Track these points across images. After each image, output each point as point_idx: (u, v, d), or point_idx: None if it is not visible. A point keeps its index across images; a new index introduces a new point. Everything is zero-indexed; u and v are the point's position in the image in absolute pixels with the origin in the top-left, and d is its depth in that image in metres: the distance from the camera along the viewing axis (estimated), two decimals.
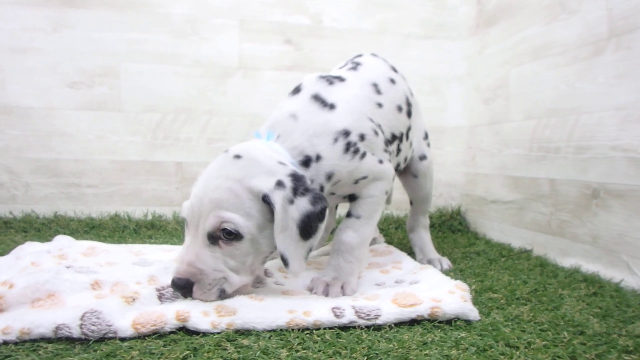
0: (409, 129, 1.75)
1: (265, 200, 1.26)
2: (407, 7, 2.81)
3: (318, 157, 1.41)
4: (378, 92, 1.64)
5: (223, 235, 1.27)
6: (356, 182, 1.51)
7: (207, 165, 1.38)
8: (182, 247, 1.32)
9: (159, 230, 2.40)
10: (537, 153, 2.17)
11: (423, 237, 2.00)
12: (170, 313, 1.14)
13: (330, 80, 1.55)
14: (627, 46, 1.72)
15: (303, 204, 1.28)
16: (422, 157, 1.93)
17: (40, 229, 2.32)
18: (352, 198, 1.57)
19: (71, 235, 1.98)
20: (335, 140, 1.44)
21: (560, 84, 2.03)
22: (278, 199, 1.25)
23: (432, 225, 2.58)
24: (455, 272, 1.77)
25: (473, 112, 2.75)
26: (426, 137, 1.99)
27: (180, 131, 2.56)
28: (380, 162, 1.53)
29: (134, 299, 1.18)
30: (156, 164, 2.56)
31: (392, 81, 1.71)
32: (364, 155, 1.48)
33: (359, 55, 1.78)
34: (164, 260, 1.63)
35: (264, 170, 1.30)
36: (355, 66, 1.70)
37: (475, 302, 1.39)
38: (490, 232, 2.55)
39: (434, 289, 1.35)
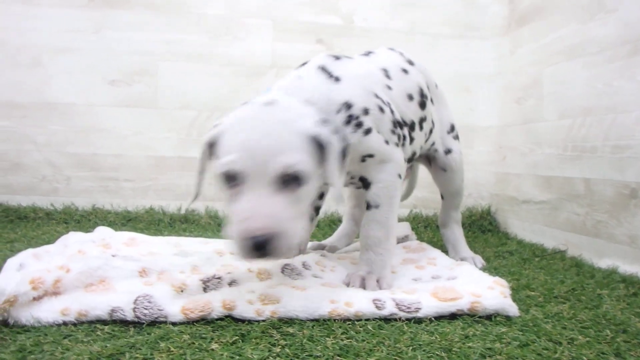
0: (422, 119, 1.72)
1: (316, 139, 1.24)
2: (437, 6, 2.82)
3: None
4: (387, 76, 1.63)
5: (289, 181, 1.18)
6: (363, 159, 1.48)
7: (229, 118, 1.32)
8: (241, 204, 1.17)
9: (193, 224, 2.46)
10: (571, 153, 2.16)
11: (455, 233, 1.99)
12: (217, 302, 1.16)
13: (338, 56, 1.54)
14: None
15: (340, 139, 1.28)
16: (448, 151, 1.91)
17: (80, 220, 2.39)
18: (365, 185, 1.54)
19: (109, 227, 2.01)
20: (338, 111, 1.42)
21: (596, 83, 2.02)
22: (329, 136, 1.25)
23: (462, 225, 2.57)
24: (489, 270, 1.75)
25: (504, 112, 2.75)
26: (452, 130, 1.97)
27: None
28: (387, 142, 1.50)
29: (182, 290, 1.21)
30: (190, 159, 2.60)
31: (405, 71, 1.70)
32: (368, 131, 1.45)
33: (376, 49, 1.78)
34: (203, 251, 1.66)
35: (299, 113, 1.28)
36: (368, 53, 1.73)
37: (513, 299, 1.38)
38: (521, 232, 2.54)
39: (472, 284, 1.35)
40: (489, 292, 1.30)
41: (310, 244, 1.93)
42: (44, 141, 2.52)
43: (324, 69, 1.47)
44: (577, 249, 2.10)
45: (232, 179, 1.20)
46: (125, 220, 2.40)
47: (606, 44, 1.98)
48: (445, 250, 1.94)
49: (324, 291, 1.27)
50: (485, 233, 2.66)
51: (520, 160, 2.56)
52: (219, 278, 1.30)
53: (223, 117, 1.30)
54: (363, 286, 1.40)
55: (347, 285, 1.43)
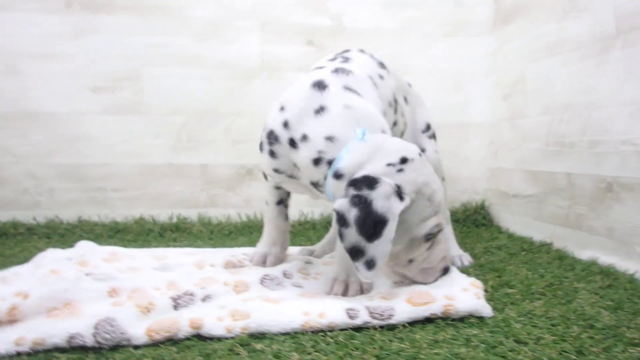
0: (393, 124, 1.70)
1: None
2: (428, 6, 2.82)
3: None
4: (375, 85, 1.63)
5: None
6: None
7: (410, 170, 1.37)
8: (440, 248, 1.48)
9: (184, 232, 2.44)
10: (553, 147, 2.19)
11: (444, 232, 2.00)
12: (184, 320, 1.17)
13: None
14: (633, 44, 1.73)
15: None
16: (422, 151, 1.90)
17: (64, 234, 2.35)
18: None
19: (95, 240, 2.02)
20: None
21: (573, 80, 2.05)
22: None
23: (456, 220, 2.61)
24: (474, 268, 1.79)
25: (494, 108, 2.77)
26: (427, 129, 1.94)
27: (205, 133, 2.60)
28: None
29: (148, 310, 1.21)
30: (181, 166, 2.60)
31: (381, 77, 1.69)
32: None
33: (347, 51, 1.76)
34: (185, 264, 1.67)
35: None
36: (346, 59, 1.68)
37: (491, 298, 1.42)
38: (512, 225, 2.57)
39: (447, 287, 1.38)
40: (463, 294, 1.33)
41: (299, 249, 1.95)
42: (25, 152, 2.47)
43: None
44: (562, 241, 2.13)
45: (433, 235, 1.43)
46: (113, 232, 2.38)
47: (580, 41, 2.01)
48: None
49: (297, 303, 1.28)
50: (479, 227, 2.69)
51: (510, 155, 2.58)
52: (191, 294, 1.31)
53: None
54: (345, 293, 1.41)
55: (329, 292, 1.44)
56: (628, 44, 1.75)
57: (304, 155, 1.43)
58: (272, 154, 1.50)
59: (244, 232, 2.48)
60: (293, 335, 1.17)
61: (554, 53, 2.18)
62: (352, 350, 1.09)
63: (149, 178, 2.58)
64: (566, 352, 1.08)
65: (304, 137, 1.42)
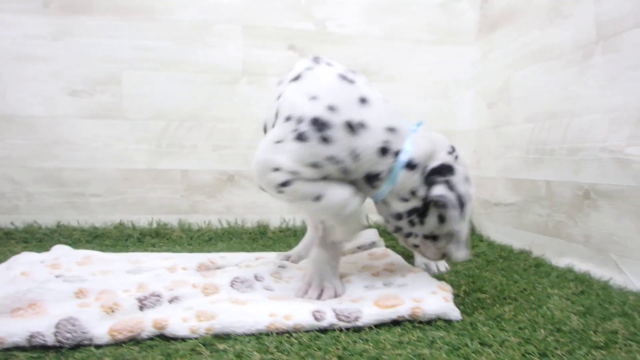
0: None
1: None
2: (415, 12, 2.82)
3: None
4: None
5: None
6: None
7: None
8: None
9: (163, 238, 2.42)
10: (534, 155, 2.19)
11: None
12: (148, 321, 1.16)
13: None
14: (613, 49, 1.74)
15: None
16: None
17: (42, 239, 2.31)
18: None
19: (73, 245, 2.01)
20: None
21: (555, 87, 2.06)
22: None
23: None
24: (450, 274, 1.79)
25: (479, 116, 2.77)
26: None
27: (186, 138, 2.59)
28: None
29: (113, 310, 1.20)
30: (162, 171, 2.58)
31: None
32: None
33: (309, 68, 1.60)
34: (158, 267, 1.67)
35: None
36: (309, 69, 1.61)
37: (462, 303, 1.42)
38: (493, 234, 2.57)
39: (416, 290, 1.38)
40: (431, 297, 1.32)
41: (276, 254, 1.96)
42: (3, 156, 2.44)
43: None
44: (541, 249, 2.13)
45: None
46: (92, 237, 2.35)
47: (563, 49, 2.01)
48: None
49: (264, 304, 1.28)
50: None
51: (493, 163, 2.58)
52: (157, 296, 1.30)
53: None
54: (319, 297, 1.42)
55: (302, 296, 1.44)
56: (608, 50, 1.76)
57: (369, 143, 1.39)
58: (325, 140, 1.36)
59: (224, 238, 2.47)
60: (258, 336, 1.16)
61: (538, 60, 2.19)
62: (315, 350, 1.08)
63: (129, 183, 2.55)
64: (529, 354, 1.08)
65: (361, 125, 1.39)
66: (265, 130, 1.61)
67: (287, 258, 1.91)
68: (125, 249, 2.17)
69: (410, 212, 1.46)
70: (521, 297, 1.51)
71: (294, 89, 1.46)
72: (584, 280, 1.70)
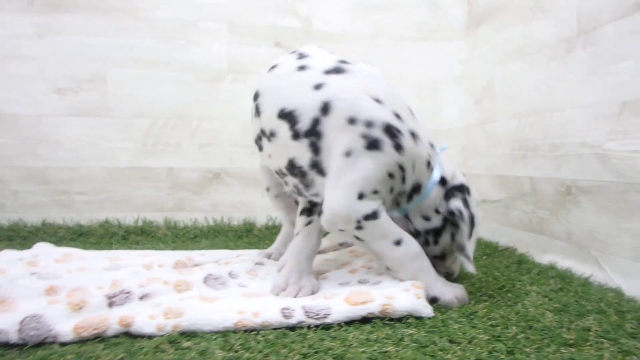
0: None
1: None
2: (401, 9, 2.81)
3: None
4: None
5: None
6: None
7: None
8: None
9: (148, 236, 2.42)
10: (518, 152, 2.18)
11: None
12: (114, 318, 1.15)
13: None
14: (592, 43, 1.73)
15: None
16: None
17: (26, 237, 2.30)
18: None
19: (57, 243, 2.01)
20: None
21: (538, 83, 2.05)
22: None
23: None
24: None
25: (466, 113, 2.76)
26: None
27: (171, 137, 2.58)
28: None
29: (80, 307, 1.19)
30: (147, 170, 2.57)
31: None
32: None
33: (343, 61, 1.60)
34: (135, 264, 1.65)
35: None
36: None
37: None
38: (480, 231, 2.55)
39: (389, 287, 1.37)
40: (404, 294, 1.31)
41: (257, 252, 1.95)
42: None
43: None
44: (526, 246, 2.13)
45: None
46: (76, 235, 2.34)
47: (544, 44, 2.00)
48: None
49: (233, 302, 1.27)
50: None
51: (480, 161, 2.57)
52: (127, 292, 1.29)
53: None
54: (296, 294, 1.42)
55: (278, 293, 1.44)
56: (588, 44, 1.75)
57: (422, 154, 1.45)
58: (399, 148, 1.37)
59: (209, 235, 2.46)
60: (225, 334, 1.15)
61: (521, 56, 2.18)
62: (280, 348, 1.07)
63: (114, 181, 2.55)
64: (496, 351, 1.07)
65: (416, 136, 1.43)
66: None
67: (269, 256, 1.90)
68: (108, 246, 2.16)
69: (428, 232, 1.51)
70: (498, 294, 1.50)
71: (348, 86, 1.43)
72: (564, 277, 1.69)
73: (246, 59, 2.66)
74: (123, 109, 2.55)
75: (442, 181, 1.48)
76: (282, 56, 1.63)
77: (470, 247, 1.44)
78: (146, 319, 1.17)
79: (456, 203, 1.44)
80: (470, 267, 1.45)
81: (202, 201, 2.64)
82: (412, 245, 1.41)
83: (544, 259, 1.96)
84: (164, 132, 2.57)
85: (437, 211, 1.49)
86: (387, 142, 1.35)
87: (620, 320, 1.27)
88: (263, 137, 1.56)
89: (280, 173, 1.58)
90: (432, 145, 1.50)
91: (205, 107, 2.61)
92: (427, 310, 1.28)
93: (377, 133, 1.35)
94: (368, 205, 1.35)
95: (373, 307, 1.25)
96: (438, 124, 2.83)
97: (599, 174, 1.69)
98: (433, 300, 1.38)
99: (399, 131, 1.38)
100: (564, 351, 1.08)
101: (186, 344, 1.09)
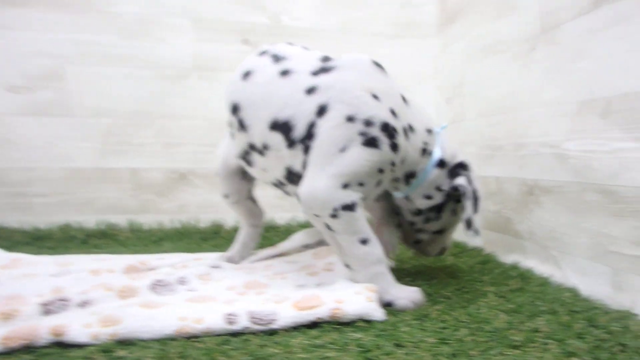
0: None
1: None
2: (373, 5, 2.77)
3: None
4: None
5: None
6: None
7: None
8: None
9: (110, 239, 2.35)
10: (485, 151, 2.17)
11: None
12: (46, 328, 1.10)
13: None
14: (554, 41, 1.71)
15: None
16: None
17: None
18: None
19: (11, 248, 1.95)
20: None
21: (504, 82, 2.03)
22: None
23: None
24: (394, 273, 1.75)
25: (438, 112, 2.74)
26: None
27: (134, 136, 2.52)
28: None
29: (11, 317, 1.15)
30: (109, 170, 2.51)
31: None
32: None
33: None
34: (85, 269, 1.61)
35: None
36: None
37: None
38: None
39: (342, 290, 1.34)
40: (355, 297, 1.28)
41: (218, 255, 1.91)
42: None
43: None
44: (493, 245, 2.11)
45: None
46: (32, 239, 2.26)
47: (510, 42, 1.99)
48: None
49: (175, 308, 1.23)
50: None
51: None
52: (65, 300, 1.25)
53: None
54: None
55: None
56: (550, 42, 1.73)
57: (415, 145, 1.48)
58: (395, 147, 1.38)
59: (174, 238, 2.41)
60: (164, 342, 1.12)
61: (489, 54, 2.16)
62: (219, 355, 1.04)
63: (74, 183, 2.47)
64: (440, 354, 1.05)
65: (411, 128, 1.47)
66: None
67: (229, 259, 1.86)
68: (66, 251, 2.10)
69: (431, 209, 1.57)
70: (456, 295, 1.49)
71: (344, 84, 1.40)
72: (525, 277, 1.68)
73: (212, 56, 2.60)
74: (82, 108, 2.47)
75: (442, 163, 1.53)
76: (253, 60, 1.56)
77: (477, 221, 1.49)
78: (81, 327, 1.12)
79: (459, 180, 1.49)
80: (477, 241, 1.53)
81: (167, 203, 2.59)
82: (376, 248, 1.40)
83: (509, 258, 1.94)
84: (127, 132, 2.51)
85: (438, 189, 1.55)
86: (384, 142, 1.35)
87: (571, 320, 1.25)
88: (253, 152, 1.52)
89: (279, 184, 1.56)
90: (428, 131, 1.53)
91: (169, 105, 2.55)
92: (378, 314, 1.26)
93: (376, 132, 1.35)
94: (349, 196, 1.34)
95: (322, 311, 1.22)
96: None
97: (559, 174, 1.67)
98: (388, 305, 1.37)
99: (395, 130, 1.38)
100: (508, 353, 1.06)
101: (120, 353, 1.05)
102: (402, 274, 1.70)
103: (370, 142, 1.33)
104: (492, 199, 2.12)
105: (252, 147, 1.51)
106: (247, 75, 1.52)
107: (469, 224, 1.49)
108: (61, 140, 2.46)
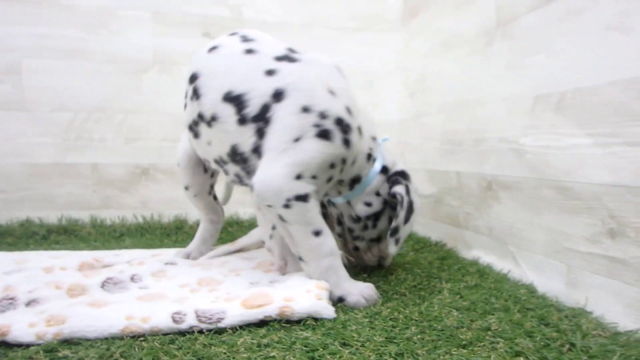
0: None
1: None
2: None
3: None
4: None
5: None
6: None
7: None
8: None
9: (71, 235, 2.33)
10: (446, 146, 2.17)
11: None
12: None
13: None
14: (510, 36, 1.71)
15: None
16: None
17: None
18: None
19: None
20: None
21: (463, 76, 2.03)
22: None
23: None
24: (350, 270, 1.74)
25: (402, 106, 2.74)
26: None
27: (95, 131, 2.49)
28: None
29: None
30: (70, 166, 2.48)
31: None
32: None
33: (293, 51, 1.63)
34: (37, 267, 1.58)
35: None
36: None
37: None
38: (415, 226, 2.53)
39: (292, 288, 1.33)
40: (304, 295, 1.27)
41: (175, 250, 1.89)
42: None
43: None
44: (454, 241, 2.11)
45: None
46: None
47: (469, 36, 1.99)
48: None
49: (121, 307, 1.21)
50: None
51: (415, 155, 2.55)
52: (11, 299, 1.24)
53: None
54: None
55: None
56: (506, 36, 1.73)
57: (363, 147, 1.50)
58: (347, 142, 1.40)
59: (136, 234, 2.39)
60: (109, 341, 1.10)
61: (449, 49, 2.16)
62: (163, 355, 1.03)
63: (34, 178, 2.44)
64: (386, 354, 1.04)
65: (360, 129, 1.46)
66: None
67: (187, 256, 1.85)
68: (26, 247, 2.08)
69: (369, 217, 1.57)
70: (411, 292, 1.48)
71: (303, 76, 1.42)
72: (483, 274, 1.68)
73: (173, 49, 2.57)
74: (41, 103, 2.43)
75: (384, 170, 1.56)
76: (223, 38, 1.57)
77: (404, 231, 1.51)
78: (25, 327, 1.11)
79: (399, 188, 1.51)
80: (392, 248, 1.52)
81: (130, 198, 2.56)
82: (329, 240, 1.40)
83: (470, 254, 1.95)
84: (87, 127, 2.48)
85: (377, 194, 1.57)
86: (337, 135, 1.37)
87: (522, 318, 1.25)
88: (201, 122, 1.50)
89: (220, 161, 1.53)
90: (373, 139, 1.56)
91: (130, 100, 2.52)
92: (328, 312, 1.25)
93: (329, 125, 1.36)
94: (303, 187, 1.34)
95: (270, 310, 1.21)
96: (375, 116, 2.79)
97: (516, 170, 1.67)
98: (339, 300, 1.36)
99: (348, 126, 1.39)
100: (455, 352, 1.05)
101: (64, 352, 1.04)
102: (359, 270, 1.70)
103: (324, 134, 1.34)
104: (453, 194, 2.12)
105: (201, 116, 1.49)
106: (213, 49, 1.53)
107: (394, 231, 1.51)
108: (20, 136, 2.43)
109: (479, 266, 1.78)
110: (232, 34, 1.57)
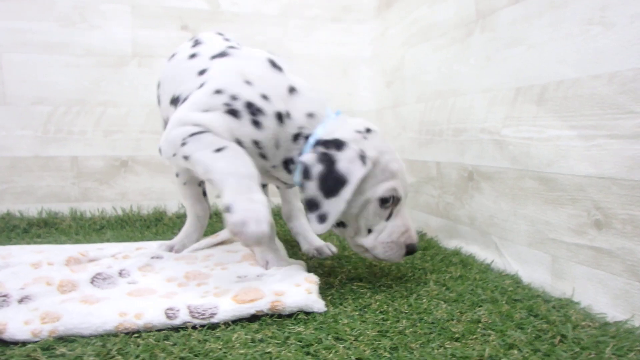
0: None
1: None
2: None
3: None
4: None
5: None
6: None
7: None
8: (402, 220, 1.48)
9: (52, 228, 2.32)
10: (425, 136, 2.18)
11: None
12: None
13: None
14: (490, 28, 1.73)
15: None
16: None
17: None
18: None
19: None
20: None
21: (442, 66, 2.05)
22: None
23: None
24: (333, 259, 1.77)
25: (379, 96, 2.75)
26: None
27: (74, 124, 2.48)
28: None
29: None
30: (49, 159, 2.47)
31: None
32: None
33: (232, 47, 1.68)
34: (22, 263, 1.57)
35: None
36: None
37: (335, 293, 1.39)
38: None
39: (281, 282, 1.34)
40: (294, 289, 1.29)
41: (158, 243, 1.89)
42: None
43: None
44: (434, 231, 2.13)
45: (388, 201, 1.45)
46: None
47: (447, 26, 2.00)
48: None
49: (114, 303, 1.22)
50: None
51: (392, 144, 2.55)
52: (4, 296, 1.23)
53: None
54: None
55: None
56: (486, 28, 1.75)
57: (288, 131, 1.47)
58: (257, 124, 1.43)
59: (116, 226, 2.39)
60: (104, 338, 1.10)
61: (427, 38, 2.17)
62: (159, 352, 1.03)
63: (14, 171, 2.43)
64: (380, 348, 1.05)
65: (288, 115, 1.47)
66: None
67: (170, 248, 1.85)
68: (7, 241, 2.07)
69: None
70: (397, 284, 1.50)
71: (225, 67, 1.51)
72: (467, 264, 1.71)
73: (152, 42, 2.57)
74: (20, 96, 2.43)
75: (317, 144, 1.45)
76: (183, 44, 1.74)
77: (332, 207, 1.37)
78: (21, 324, 1.11)
79: (305, 157, 1.41)
80: (315, 226, 1.39)
81: (109, 190, 2.56)
82: (238, 153, 1.37)
83: (451, 244, 1.97)
84: (66, 120, 2.47)
85: None
86: (245, 117, 1.42)
87: (511, 309, 1.27)
88: (165, 125, 1.62)
89: None
90: (310, 115, 1.49)
91: (109, 92, 2.52)
92: (318, 305, 1.26)
93: (239, 106, 1.42)
94: (196, 127, 1.40)
95: (262, 304, 1.22)
96: (352, 106, 2.82)
97: (498, 160, 1.69)
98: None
99: (259, 110, 1.43)
100: (448, 346, 1.07)
101: (61, 350, 1.04)
102: (342, 264, 1.71)
103: (231, 112, 1.42)
104: (433, 184, 2.14)
105: (164, 121, 1.63)
106: (172, 56, 1.71)
107: (311, 206, 1.39)
108: (0, 129, 2.41)
109: (462, 256, 1.80)
110: (191, 39, 1.74)
